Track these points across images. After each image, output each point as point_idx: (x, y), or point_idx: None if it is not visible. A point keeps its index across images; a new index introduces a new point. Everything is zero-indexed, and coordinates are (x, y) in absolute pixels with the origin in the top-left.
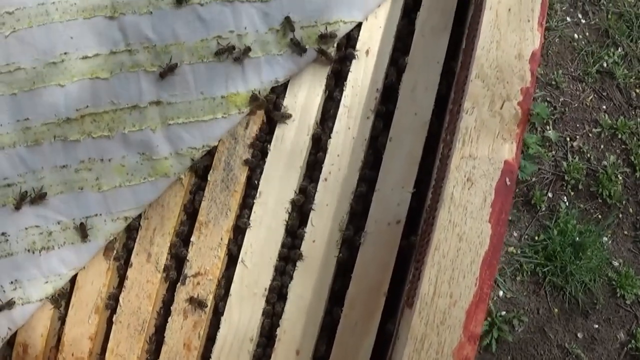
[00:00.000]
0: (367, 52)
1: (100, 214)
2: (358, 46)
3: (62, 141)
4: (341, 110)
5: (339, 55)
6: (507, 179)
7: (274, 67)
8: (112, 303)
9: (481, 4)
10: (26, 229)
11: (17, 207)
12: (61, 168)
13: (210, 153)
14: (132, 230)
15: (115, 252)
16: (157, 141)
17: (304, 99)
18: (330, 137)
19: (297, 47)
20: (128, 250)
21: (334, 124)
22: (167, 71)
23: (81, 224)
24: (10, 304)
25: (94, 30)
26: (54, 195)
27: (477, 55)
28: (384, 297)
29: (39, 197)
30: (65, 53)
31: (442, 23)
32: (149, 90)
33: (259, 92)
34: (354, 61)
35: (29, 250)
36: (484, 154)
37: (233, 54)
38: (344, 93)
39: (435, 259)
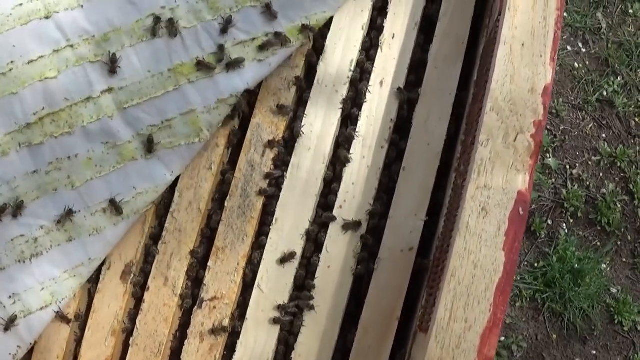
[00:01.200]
0: (381, 83)
1: (79, 211)
2: (372, 77)
3: (27, 147)
4: (356, 140)
5: (354, 86)
6: (521, 209)
7: (211, 33)
8: (129, 326)
9: (495, 37)
10: (12, 240)
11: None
12: (32, 174)
13: (228, 180)
14: (149, 254)
15: (132, 275)
16: (117, 127)
17: (320, 128)
18: (345, 166)
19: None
20: (145, 274)
21: (349, 152)
22: (112, 64)
23: (111, 200)
24: (12, 320)
25: (33, 34)
26: (31, 202)
27: (492, 88)
28: (397, 321)
29: (18, 207)
30: (11, 62)
31: (455, 54)
32: (98, 81)
33: (203, 58)
34: (368, 92)
35: (19, 261)
36: (498, 184)
37: (167, 29)
38: (359, 123)
39: (452, 286)
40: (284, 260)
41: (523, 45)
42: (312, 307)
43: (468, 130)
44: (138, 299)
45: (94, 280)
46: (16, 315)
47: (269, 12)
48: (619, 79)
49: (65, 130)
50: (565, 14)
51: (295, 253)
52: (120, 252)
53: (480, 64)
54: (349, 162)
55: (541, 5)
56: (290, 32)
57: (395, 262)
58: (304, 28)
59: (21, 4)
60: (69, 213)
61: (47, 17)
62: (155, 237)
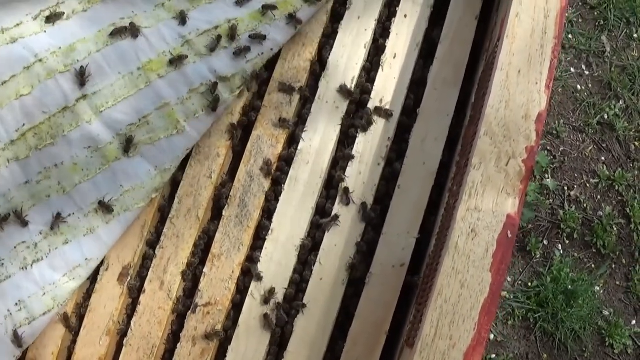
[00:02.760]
0: (380, 101)
1: (73, 213)
2: (372, 95)
3: (15, 161)
4: (354, 155)
5: (354, 104)
6: (509, 232)
7: (173, 28)
8: (124, 327)
9: (492, 63)
10: (15, 247)
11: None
12: (25, 184)
13: (226, 194)
14: (147, 258)
15: (129, 278)
16: (97, 131)
17: (319, 144)
18: (342, 181)
19: None
20: (142, 278)
21: (345, 168)
22: (82, 77)
23: (100, 202)
24: (17, 338)
25: (2, 59)
26: (28, 209)
27: (487, 113)
28: (385, 335)
29: (18, 217)
30: None
31: (454, 77)
32: (71, 89)
33: (170, 52)
34: (368, 109)
35: (22, 268)
36: (488, 207)
37: (130, 31)
38: (357, 140)
39: (438, 303)
40: (267, 300)
41: (519, 72)
42: (303, 306)
43: (463, 151)
44: (134, 301)
45: (92, 280)
46: (22, 324)
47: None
48: (620, 102)
49: (48, 142)
50: (569, 36)
51: (274, 289)
52: (118, 254)
53: (478, 87)
54: (343, 181)
55: (539, 33)
56: (251, 17)
57: (386, 278)
58: (265, 9)
59: None
60: (57, 217)
61: (13, 42)
62: (153, 242)
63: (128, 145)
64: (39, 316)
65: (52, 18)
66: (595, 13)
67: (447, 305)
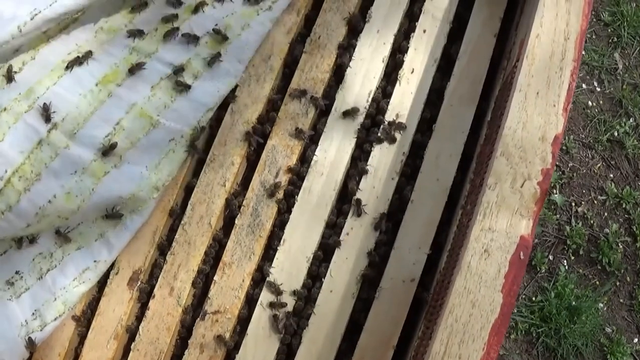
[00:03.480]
0: (396, 116)
1: (83, 222)
2: (389, 109)
3: (9, 211)
4: (368, 169)
5: (370, 116)
6: (522, 253)
7: (118, 43)
8: (132, 331)
9: (511, 82)
10: (33, 259)
11: (19, 247)
12: (27, 227)
13: (239, 202)
14: (157, 264)
15: (139, 282)
16: (76, 153)
17: (334, 156)
18: (355, 194)
19: None
20: (151, 283)
21: (359, 181)
22: (46, 112)
23: (106, 215)
24: (31, 344)
25: None
26: (40, 237)
27: (504, 134)
28: (393, 350)
29: (33, 240)
30: None
31: (471, 94)
32: (40, 125)
33: (121, 63)
34: (383, 123)
35: (39, 278)
36: (502, 227)
37: (82, 59)
38: (372, 153)
39: (449, 322)
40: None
41: (538, 93)
42: (310, 315)
43: (477, 170)
44: (143, 305)
45: (102, 284)
46: (35, 338)
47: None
48: (631, 120)
49: (34, 178)
50: (582, 52)
51: (285, 303)
52: (129, 258)
53: (495, 106)
54: (355, 194)
55: (558, 56)
56: (187, 10)
57: (396, 292)
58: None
59: None
60: (57, 233)
61: None
62: (164, 248)
63: (110, 150)
64: (51, 321)
65: (8, 75)
66: (609, 30)
67: (458, 324)
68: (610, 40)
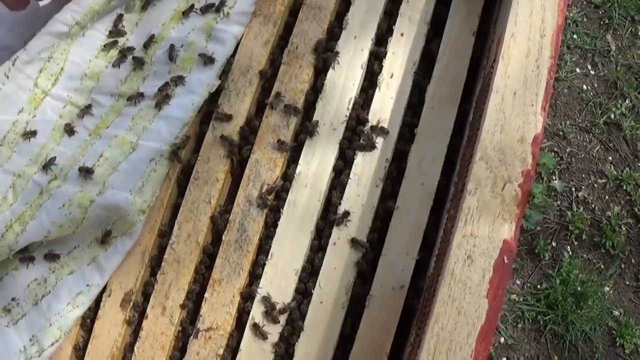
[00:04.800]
0: (378, 122)
1: (78, 245)
2: (369, 116)
3: (15, 244)
4: (352, 177)
5: (353, 123)
6: (505, 257)
7: (107, 88)
8: (127, 352)
9: (489, 83)
10: (28, 285)
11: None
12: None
13: (226, 218)
14: (148, 284)
15: (131, 304)
16: (65, 188)
17: (317, 167)
18: (340, 204)
19: None
20: (144, 303)
21: (344, 190)
22: (49, 166)
23: (99, 238)
24: None
25: None
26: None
27: (482, 137)
28: (386, 357)
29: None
30: None
31: (451, 95)
32: (43, 180)
33: (108, 114)
34: (365, 130)
35: (35, 304)
36: (484, 233)
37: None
38: (355, 161)
39: (435, 331)
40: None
41: (515, 94)
42: (301, 329)
43: (460, 173)
44: (136, 326)
45: (95, 306)
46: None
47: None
48: (626, 101)
49: (30, 221)
50: (574, 36)
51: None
52: (120, 280)
53: (475, 106)
54: (339, 204)
55: (535, 53)
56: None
57: (386, 299)
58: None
59: None
60: (46, 256)
61: None
62: (154, 268)
63: (87, 174)
64: (48, 347)
65: (26, 135)
66: (600, 12)
67: (444, 333)
68: (601, 23)
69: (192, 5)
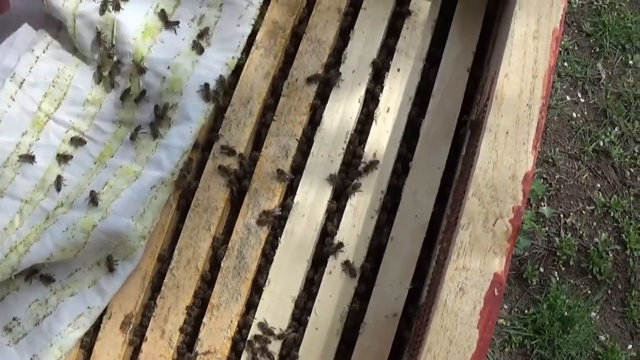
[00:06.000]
0: (374, 155)
1: (80, 268)
2: (366, 149)
3: (18, 264)
4: (347, 209)
5: (349, 156)
6: (496, 290)
7: (109, 115)
8: None
9: (482, 120)
10: (29, 306)
11: (27, 279)
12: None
13: (226, 245)
14: (148, 308)
15: (131, 326)
16: (70, 215)
17: (314, 197)
18: (336, 234)
19: None
20: (143, 326)
21: (340, 221)
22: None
23: (108, 258)
24: None
25: None
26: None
27: (475, 174)
28: None
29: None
30: None
31: (445, 130)
32: (50, 207)
33: (111, 141)
34: (361, 164)
35: (36, 324)
36: (476, 266)
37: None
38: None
39: None
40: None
41: (507, 133)
42: (296, 357)
43: (453, 207)
44: (136, 348)
45: (95, 328)
46: None
47: None
48: (616, 129)
49: (33, 243)
50: (565, 64)
51: (270, 340)
52: (120, 303)
53: (468, 142)
54: (335, 234)
55: (527, 93)
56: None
57: (380, 327)
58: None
59: None
60: (41, 276)
61: (1, 197)
62: (154, 292)
63: (93, 201)
64: None
65: (23, 158)
66: (591, 40)
67: None
68: (592, 51)
69: (176, 22)
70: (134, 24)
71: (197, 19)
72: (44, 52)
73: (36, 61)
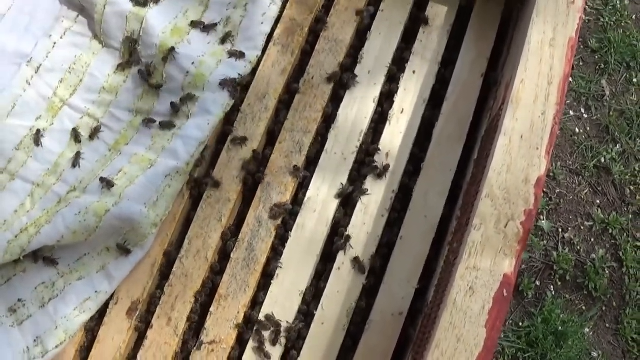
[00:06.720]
0: (387, 155)
1: (89, 253)
2: (379, 148)
3: (28, 245)
4: (358, 206)
5: (361, 155)
6: (505, 291)
7: (125, 104)
8: (130, 359)
9: (497, 124)
10: (36, 288)
11: (36, 260)
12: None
13: (236, 236)
14: (155, 295)
15: (138, 312)
16: (84, 199)
17: (326, 193)
18: (346, 231)
19: None
20: (150, 313)
21: (351, 218)
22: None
23: (118, 244)
24: None
25: (10, 194)
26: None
27: (489, 176)
28: None
29: (42, 256)
30: None
31: (458, 133)
32: (62, 191)
33: (126, 128)
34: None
35: (41, 307)
36: (486, 266)
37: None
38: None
39: (435, 356)
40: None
41: (522, 137)
42: (301, 348)
43: (464, 209)
44: (141, 335)
45: (101, 313)
46: None
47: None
48: (617, 146)
49: (45, 226)
50: (570, 79)
51: (279, 332)
52: (128, 289)
53: (481, 145)
54: (345, 231)
55: (542, 100)
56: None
57: (385, 325)
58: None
59: None
60: (44, 258)
61: (12, 180)
62: (162, 280)
63: (107, 186)
64: (52, 349)
65: (37, 140)
66: (597, 57)
67: (444, 358)
68: (597, 67)
69: (201, 23)
70: (164, 22)
71: (224, 21)
72: (61, 38)
73: (53, 47)
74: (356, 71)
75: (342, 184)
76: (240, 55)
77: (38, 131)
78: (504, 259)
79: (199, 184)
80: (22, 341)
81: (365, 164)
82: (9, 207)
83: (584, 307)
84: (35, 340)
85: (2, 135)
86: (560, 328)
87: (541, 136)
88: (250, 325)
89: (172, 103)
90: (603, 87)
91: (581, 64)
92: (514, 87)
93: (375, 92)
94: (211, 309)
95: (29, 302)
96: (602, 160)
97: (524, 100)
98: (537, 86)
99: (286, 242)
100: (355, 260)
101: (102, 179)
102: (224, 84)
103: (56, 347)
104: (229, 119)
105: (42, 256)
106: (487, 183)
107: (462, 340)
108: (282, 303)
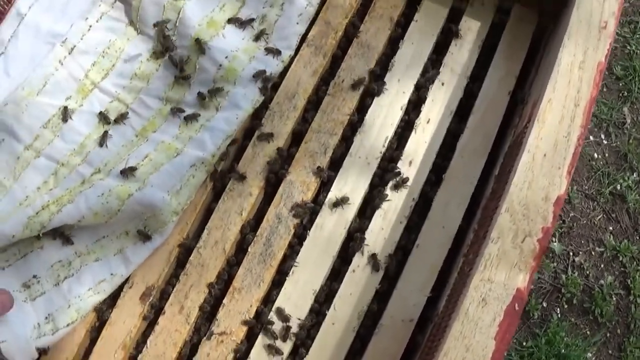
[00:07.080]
0: (410, 163)
1: (107, 235)
2: (403, 156)
3: (49, 222)
4: (378, 212)
5: (385, 161)
6: (517, 305)
7: (155, 91)
8: (140, 344)
9: (521, 142)
10: (52, 265)
11: (54, 238)
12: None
13: (255, 231)
14: (170, 282)
15: (151, 298)
16: (108, 182)
17: (347, 196)
18: (364, 235)
19: None
20: (163, 300)
21: (370, 222)
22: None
23: (138, 230)
24: (43, 349)
25: (35, 171)
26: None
27: (510, 191)
28: None
29: (62, 237)
30: None
31: (482, 147)
32: (87, 172)
33: (155, 117)
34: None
35: (56, 285)
36: (500, 279)
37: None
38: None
39: None
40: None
41: (545, 155)
42: (310, 347)
43: (482, 222)
44: (152, 320)
45: (115, 295)
46: (46, 341)
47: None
48: (634, 175)
49: (67, 205)
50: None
51: (290, 327)
52: (144, 274)
53: (503, 162)
54: (363, 234)
55: (567, 121)
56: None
57: (395, 330)
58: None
59: None
60: (61, 234)
61: (37, 157)
62: (178, 268)
63: (129, 172)
64: (63, 327)
65: (64, 115)
66: (621, 84)
67: None
68: (620, 94)
69: (238, 19)
70: (201, 14)
71: (260, 18)
72: (97, 21)
73: (89, 30)
74: (386, 78)
75: (364, 188)
76: (276, 52)
77: (66, 108)
78: (519, 273)
79: (223, 176)
80: (33, 317)
81: (388, 170)
82: (32, 183)
83: (588, 332)
84: (47, 317)
85: (31, 111)
86: (563, 351)
87: (564, 156)
88: (261, 320)
89: (198, 92)
90: (624, 115)
91: (605, 90)
92: (541, 107)
93: (404, 100)
94: (224, 301)
95: (44, 279)
96: (618, 187)
97: (549, 120)
98: (564, 107)
99: (304, 240)
100: (372, 257)
101: (122, 171)
102: (257, 75)
103: (67, 325)
104: (258, 114)
105: (61, 233)
106: (507, 198)
107: (470, 350)
108: (295, 301)
